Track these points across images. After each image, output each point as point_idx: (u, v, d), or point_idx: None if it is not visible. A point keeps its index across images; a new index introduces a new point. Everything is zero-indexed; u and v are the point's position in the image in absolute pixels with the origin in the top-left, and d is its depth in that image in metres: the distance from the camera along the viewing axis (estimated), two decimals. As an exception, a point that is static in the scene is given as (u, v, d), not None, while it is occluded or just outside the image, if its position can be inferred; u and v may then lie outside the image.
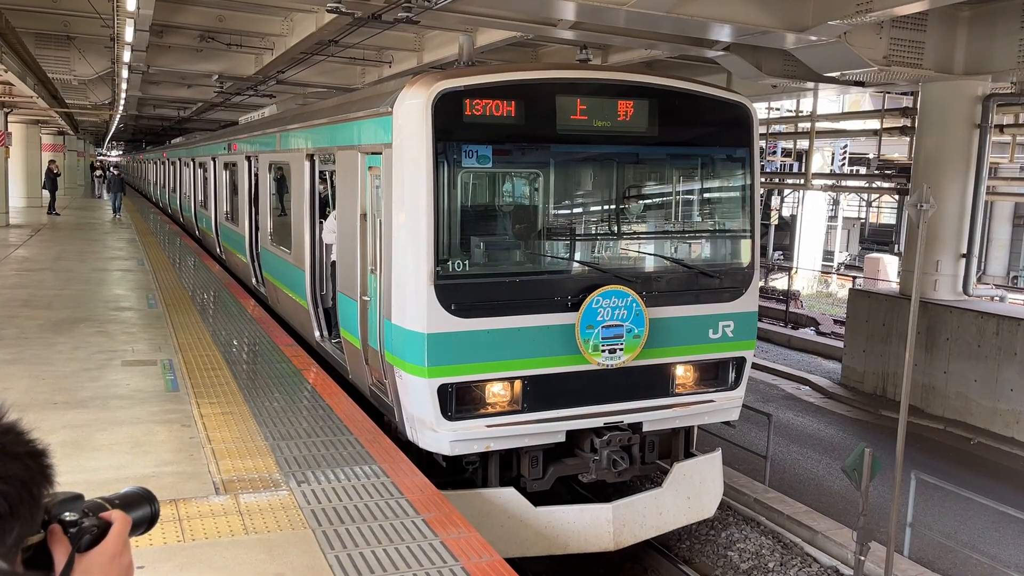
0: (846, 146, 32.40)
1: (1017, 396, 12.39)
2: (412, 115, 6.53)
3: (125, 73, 17.24)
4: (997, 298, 16.47)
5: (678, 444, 8.04)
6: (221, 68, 19.99)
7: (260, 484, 5.50)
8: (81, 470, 5.56)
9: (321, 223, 9.84)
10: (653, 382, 7.37)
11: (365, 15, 11.54)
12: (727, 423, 8.10)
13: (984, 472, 11.34)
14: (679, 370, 7.53)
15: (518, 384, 6.82)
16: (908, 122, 18.00)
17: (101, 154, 79.59)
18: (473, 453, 6.83)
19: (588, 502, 7.78)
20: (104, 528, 1.35)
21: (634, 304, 6.98)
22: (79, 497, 1.35)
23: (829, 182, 25.96)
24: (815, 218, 33.41)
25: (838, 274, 32.41)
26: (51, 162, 30.71)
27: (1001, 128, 17.00)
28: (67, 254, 17.60)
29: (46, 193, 28.87)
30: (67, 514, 1.31)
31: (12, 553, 1.24)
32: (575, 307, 6.83)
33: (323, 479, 5.62)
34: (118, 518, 1.38)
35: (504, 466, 7.13)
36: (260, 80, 20.12)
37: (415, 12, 10.73)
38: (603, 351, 6.91)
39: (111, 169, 32.25)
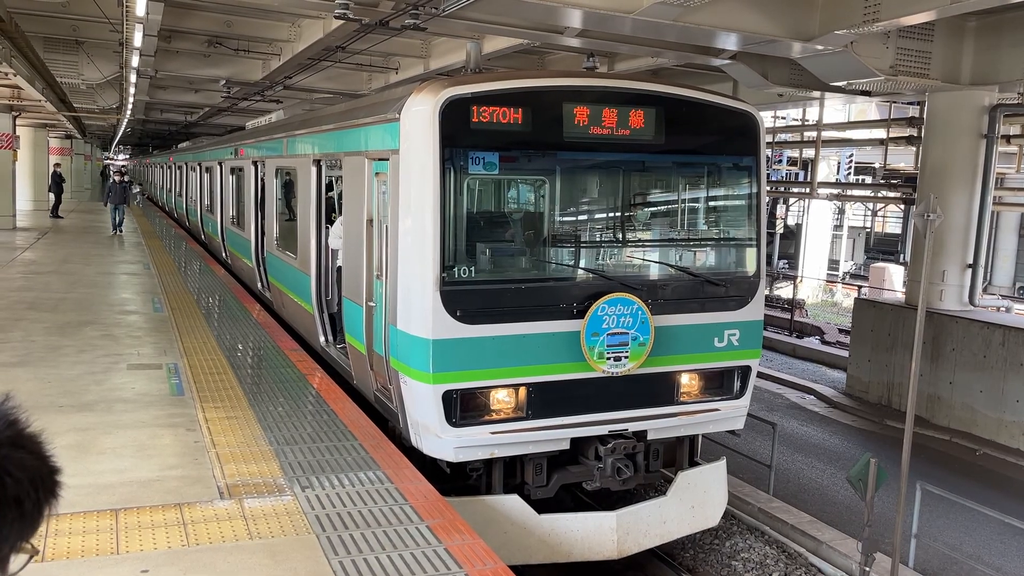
0: (852, 155, 32.40)
1: (1023, 407, 12.35)
2: (419, 121, 6.54)
3: (133, 77, 17.32)
4: (1003, 308, 16.44)
5: (683, 452, 8.02)
6: (228, 73, 20.08)
7: (264, 489, 5.50)
8: (86, 473, 5.56)
9: (327, 228, 9.86)
10: (658, 390, 7.36)
11: (372, 21, 11.57)
12: (732, 432, 8.08)
13: (990, 483, 11.29)
14: (684, 378, 7.52)
15: (523, 391, 6.81)
16: (914, 132, 17.99)
17: (108, 158, 79.41)
18: (477, 460, 6.83)
19: (592, 510, 7.78)
20: None
21: (639, 312, 6.98)
22: None
23: (835, 191, 25.95)
24: (820, 227, 33.42)
25: (843, 283, 32.37)
26: (56, 165, 30.78)
27: (1008, 138, 17.00)
28: (73, 257, 17.64)
29: (52, 196, 28.91)
30: None
31: (4, 555, 1.25)
32: (580, 314, 6.82)
33: (327, 484, 5.62)
34: None
35: (508, 473, 7.12)
36: (267, 85, 20.20)
37: (422, 19, 10.77)
38: (608, 359, 6.91)
39: (113, 176, 27.02)
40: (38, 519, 1.29)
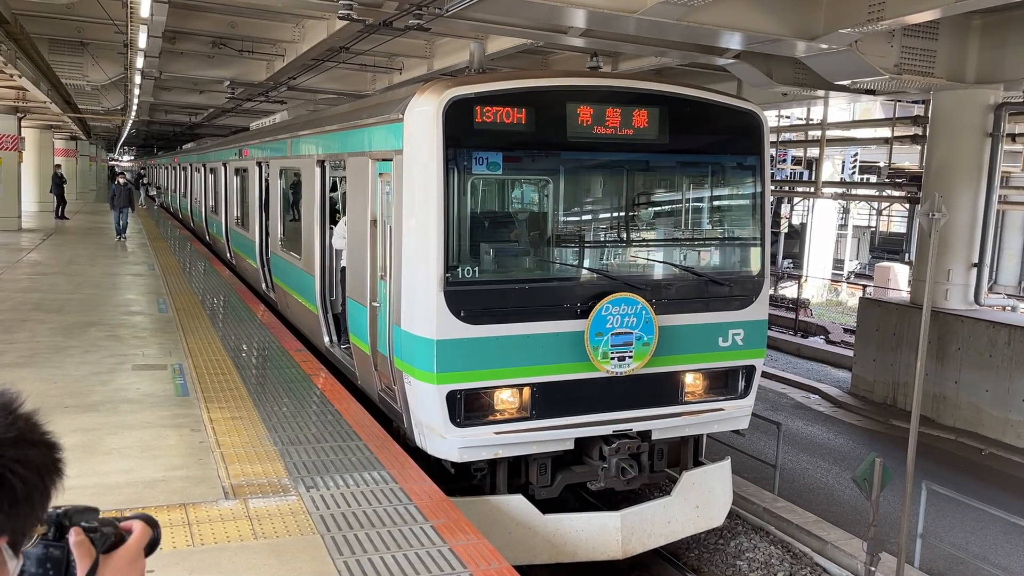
0: (856, 154, 32.33)
1: (1029, 406, 12.31)
2: (423, 122, 6.55)
3: (138, 79, 17.34)
4: (1009, 308, 16.40)
5: (687, 452, 8.01)
6: (233, 74, 20.11)
7: (269, 489, 5.51)
8: (92, 473, 5.58)
9: (331, 229, 9.88)
10: (662, 390, 7.35)
11: (376, 22, 11.58)
12: (736, 431, 8.07)
13: (995, 483, 11.26)
14: (688, 378, 7.51)
15: (527, 391, 6.81)
16: (919, 130, 17.95)
17: (113, 159, 79.41)
18: (481, 460, 6.83)
19: (596, 510, 7.77)
20: (122, 536, 1.43)
21: (644, 311, 6.97)
22: (95, 510, 1.42)
23: (839, 190, 25.90)
24: (825, 226, 33.32)
25: (848, 283, 32.29)
26: (56, 166, 30.77)
27: (1013, 137, 16.94)
28: (78, 258, 17.70)
29: (54, 198, 28.92)
30: (87, 522, 1.38)
31: (19, 541, 1.27)
32: (584, 314, 6.82)
33: (332, 484, 5.63)
34: (138, 527, 1.47)
35: (512, 473, 7.13)
36: (271, 86, 20.22)
37: (426, 19, 10.77)
38: (612, 358, 6.90)
39: (117, 178, 24.00)
40: (47, 503, 1.30)
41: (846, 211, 36.83)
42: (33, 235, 22.42)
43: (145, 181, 45.98)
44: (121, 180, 23.04)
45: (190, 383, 7.95)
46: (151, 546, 1.54)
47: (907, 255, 27.58)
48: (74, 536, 1.34)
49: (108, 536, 1.39)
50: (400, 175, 6.83)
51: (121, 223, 21.96)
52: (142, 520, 1.51)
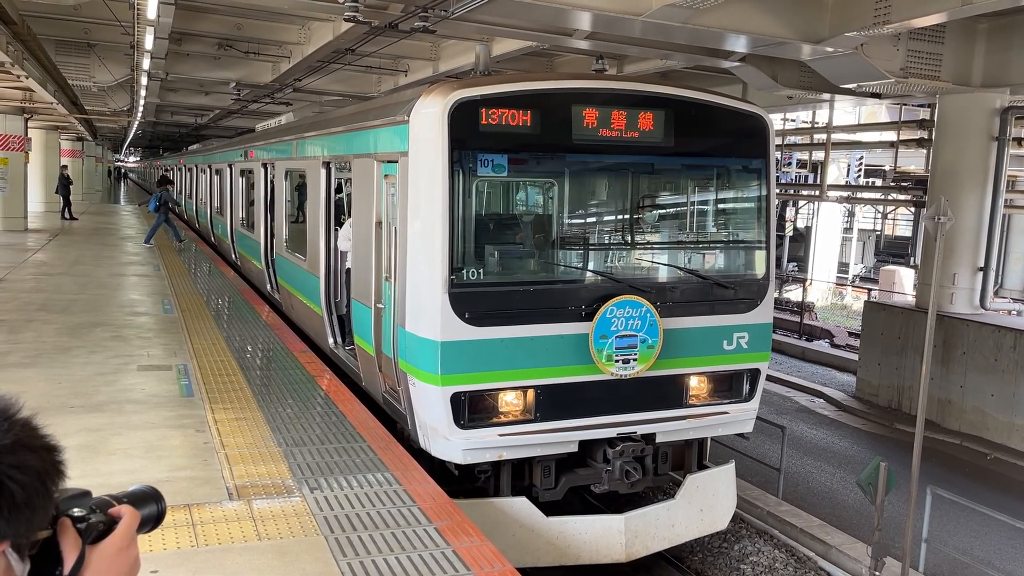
0: (862, 158, 32.26)
1: (1034, 411, 12.26)
2: (428, 124, 6.55)
3: (144, 80, 17.41)
4: (1014, 312, 16.36)
5: (691, 455, 8.00)
6: (238, 76, 20.17)
7: (273, 490, 5.51)
8: (96, 474, 5.58)
9: (336, 230, 9.89)
10: (667, 393, 7.35)
11: (382, 24, 11.61)
12: (740, 435, 8.06)
13: (1001, 488, 11.22)
14: (693, 381, 7.50)
15: (531, 393, 6.81)
16: (925, 134, 17.91)
17: (119, 160, 79.19)
18: (485, 462, 6.83)
19: (600, 513, 7.77)
20: (111, 523, 1.41)
21: (648, 314, 6.96)
22: (87, 493, 1.40)
23: (844, 194, 25.85)
24: (830, 230, 33.26)
25: (853, 286, 32.22)
26: (63, 167, 30.86)
27: (1019, 141, 16.89)
28: (84, 259, 17.73)
29: (60, 199, 28.96)
30: (75, 510, 1.36)
31: (24, 545, 1.28)
32: (589, 317, 6.82)
33: (336, 486, 5.63)
34: (127, 513, 1.44)
35: (516, 475, 7.12)
36: (277, 88, 20.27)
37: (431, 22, 10.80)
38: (617, 361, 6.90)
39: (167, 186, 22.31)
40: (49, 506, 1.30)
41: (851, 214, 36.78)
42: (39, 235, 22.47)
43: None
44: (169, 187, 22.90)
45: (195, 384, 7.97)
46: (157, 519, 1.52)
47: (912, 259, 27.49)
48: (61, 527, 1.33)
49: (96, 526, 1.38)
50: (405, 177, 6.83)
51: (172, 229, 21.23)
52: (137, 498, 1.49)
